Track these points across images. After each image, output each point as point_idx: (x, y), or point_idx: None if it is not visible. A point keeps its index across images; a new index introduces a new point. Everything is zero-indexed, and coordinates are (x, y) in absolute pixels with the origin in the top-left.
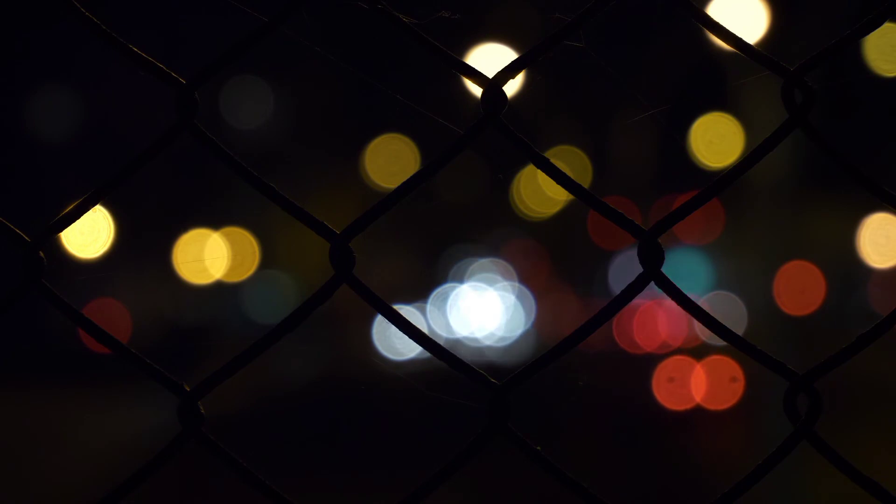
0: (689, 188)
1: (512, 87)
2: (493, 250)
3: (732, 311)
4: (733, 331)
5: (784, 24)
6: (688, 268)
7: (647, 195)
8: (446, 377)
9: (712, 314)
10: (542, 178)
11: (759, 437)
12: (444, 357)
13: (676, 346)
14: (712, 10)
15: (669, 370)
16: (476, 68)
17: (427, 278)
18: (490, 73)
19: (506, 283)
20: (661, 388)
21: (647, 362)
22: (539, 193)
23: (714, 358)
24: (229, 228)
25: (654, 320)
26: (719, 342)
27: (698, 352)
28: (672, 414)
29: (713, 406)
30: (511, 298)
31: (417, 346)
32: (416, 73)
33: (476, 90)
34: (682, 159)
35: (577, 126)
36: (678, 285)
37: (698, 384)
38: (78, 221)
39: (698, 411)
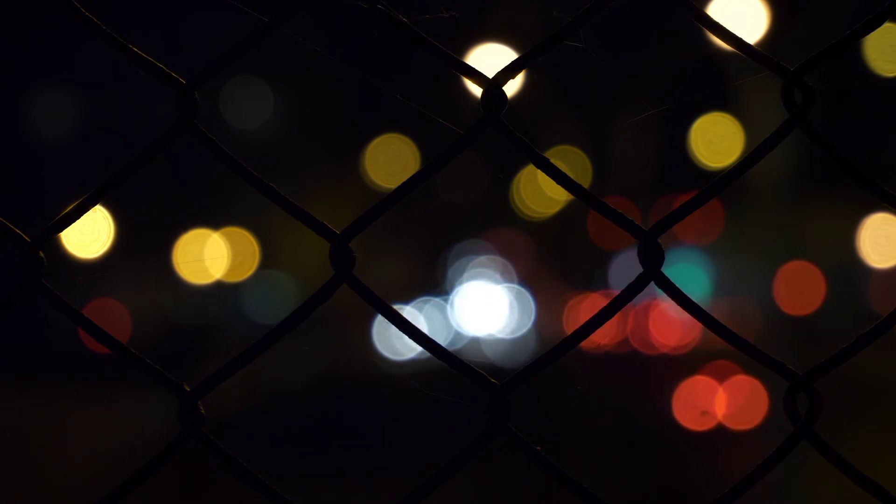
0: (689, 188)
1: (512, 87)
2: (492, 250)
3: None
4: (733, 331)
5: (784, 24)
6: (687, 268)
7: (647, 195)
8: (446, 377)
9: (712, 314)
10: (542, 178)
11: (756, 432)
12: (444, 357)
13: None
14: (712, 10)
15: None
16: (476, 68)
17: (427, 278)
18: (490, 73)
19: (506, 283)
20: (657, 388)
21: (648, 363)
22: (539, 193)
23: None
24: (229, 228)
25: (660, 321)
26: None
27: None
28: (667, 412)
29: (708, 406)
30: (511, 298)
31: (417, 346)
32: (417, 72)
33: (476, 90)
34: (682, 159)
35: (577, 126)
36: (677, 285)
37: (691, 385)
38: (78, 221)
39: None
